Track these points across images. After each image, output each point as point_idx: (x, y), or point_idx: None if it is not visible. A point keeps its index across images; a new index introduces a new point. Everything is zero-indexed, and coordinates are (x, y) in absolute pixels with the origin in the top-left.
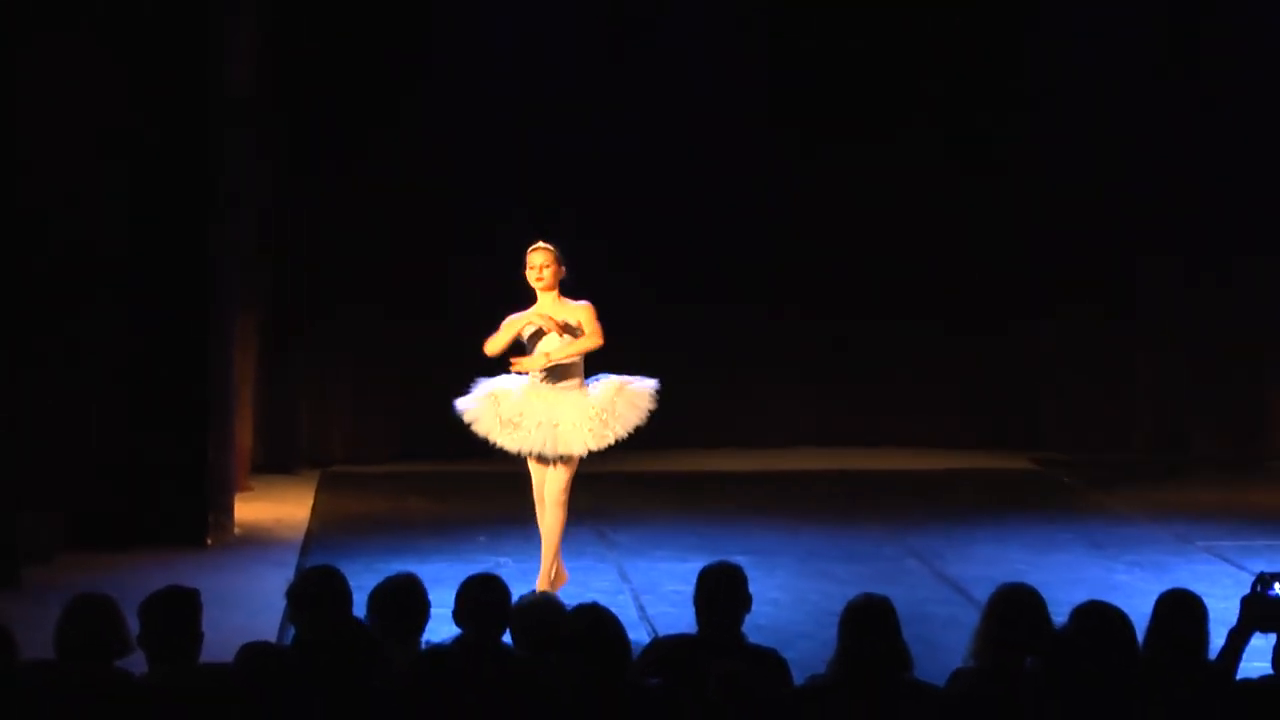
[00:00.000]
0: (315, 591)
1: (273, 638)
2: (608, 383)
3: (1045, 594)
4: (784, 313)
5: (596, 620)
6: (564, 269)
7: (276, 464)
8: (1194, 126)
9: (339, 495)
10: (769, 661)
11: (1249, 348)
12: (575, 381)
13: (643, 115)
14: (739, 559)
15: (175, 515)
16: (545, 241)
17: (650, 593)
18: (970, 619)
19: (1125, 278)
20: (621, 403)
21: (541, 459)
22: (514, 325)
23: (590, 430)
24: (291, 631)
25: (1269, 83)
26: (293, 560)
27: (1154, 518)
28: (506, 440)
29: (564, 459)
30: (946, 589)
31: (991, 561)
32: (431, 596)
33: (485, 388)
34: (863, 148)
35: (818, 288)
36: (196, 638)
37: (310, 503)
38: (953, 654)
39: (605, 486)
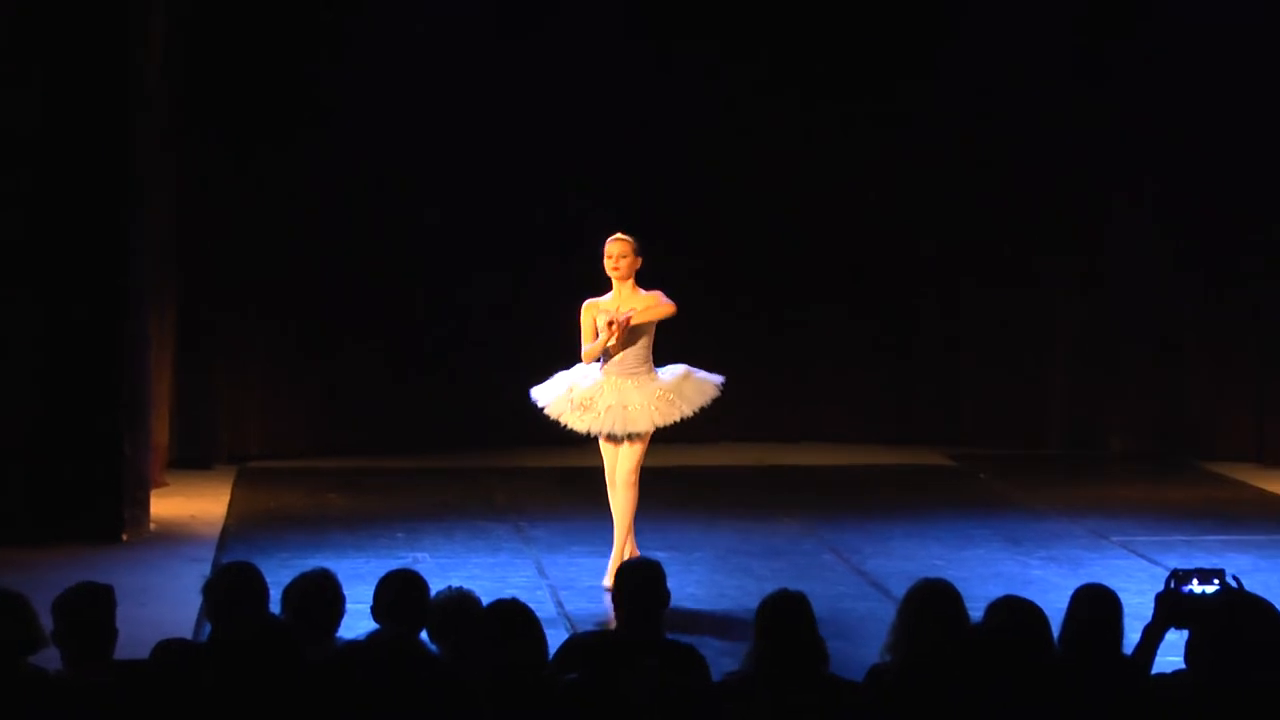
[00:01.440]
0: (231, 588)
1: (188, 634)
2: (676, 369)
3: (962, 589)
4: (702, 308)
5: (512, 615)
6: (640, 259)
7: (193, 460)
8: (1108, 111)
9: (256, 491)
10: (687, 657)
11: (1165, 344)
12: (644, 369)
13: (547, 99)
14: (657, 555)
15: (90, 511)
16: (624, 233)
17: (568, 588)
18: (887, 614)
19: (1039, 275)
20: (689, 387)
21: (612, 438)
22: (590, 315)
23: (656, 408)
24: (207, 628)
25: (1177, 48)
26: (209, 556)
27: (1070, 513)
28: (577, 422)
29: (633, 439)
30: (864, 584)
31: (908, 557)
32: (348, 592)
33: (562, 379)
34: (774, 132)
35: (737, 283)
36: (111, 634)
37: (227, 498)
38: (870, 649)
39: (523, 482)
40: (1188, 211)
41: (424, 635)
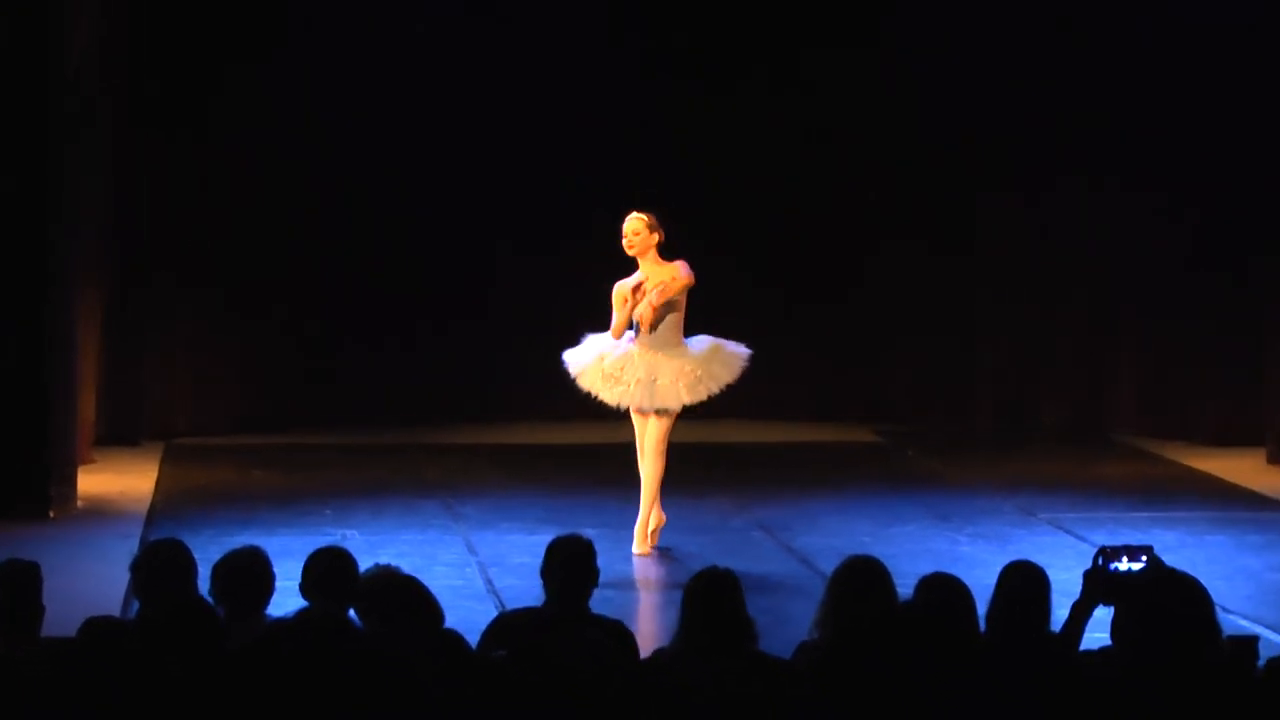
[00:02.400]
0: (159, 565)
1: (116, 611)
2: (705, 343)
3: (890, 566)
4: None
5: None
6: (658, 234)
7: (120, 436)
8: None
9: (183, 467)
10: (616, 634)
11: (1092, 319)
12: (675, 342)
13: (496, 76)
14: (587, 532)
15: (16, 488)
16: (641, 210)
17: (497, 565)
18: (816, 591)
19: (970, 249)
20: (717, 362)
21: (641, 411)
22: (620, 296)
23: (686, 385)
24: (135, 605)
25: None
26: (137, 533)
27: (997, 490)
28: (607, 394)
29: (661, 412)
30: (793, 561)
31: (837, 534)
32: (277, 569)
33: (593, 345)
34: (697, 100)
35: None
36: (38, 611)
37: (154, 475)
38: (799, 626)
39: (452, 459)
40: (1115, 190)
41: (352, 613)
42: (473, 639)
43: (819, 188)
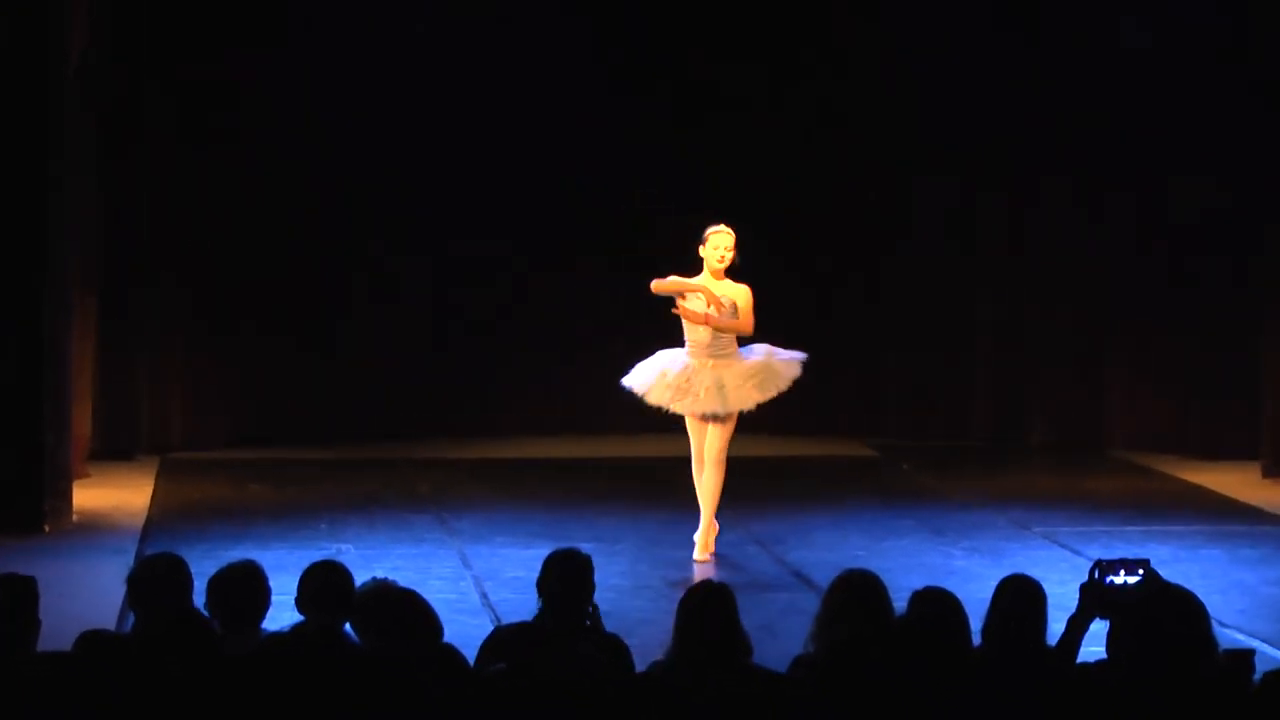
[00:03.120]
0: (156, 579)
1: (112, 626)
2: (760, 350)
3: (885, 580)
4: (624, 299)
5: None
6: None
7: (115, 451)
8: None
9: (179, 482)
10: (610, 648)
11: (1086, 333)
12: (731, 351)
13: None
14: (581, 545)
15: (12, 503)
16: (729, 226)
17: (492, 579)
18: (810, 605)
19: (961, 267)
20: (776, 366)
21: (707, 418)
22: (680, 284)
23: (754, 386)
24: (131, 619)
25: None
26: (132, 547)
27: (992, 504)
28: (678, 405)
29: (724, 420)
30: (787, 575)
31: (832, 547)
32: (272, 583)
33: (651, 364)
34: (697, 101)
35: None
36: (33, 625)
37: (150, 489)
38: (793, 640)
39: (446, 473)
40: (1107, 204)
41: (347, 627)
42: (468, 653)
43: (820, 188)
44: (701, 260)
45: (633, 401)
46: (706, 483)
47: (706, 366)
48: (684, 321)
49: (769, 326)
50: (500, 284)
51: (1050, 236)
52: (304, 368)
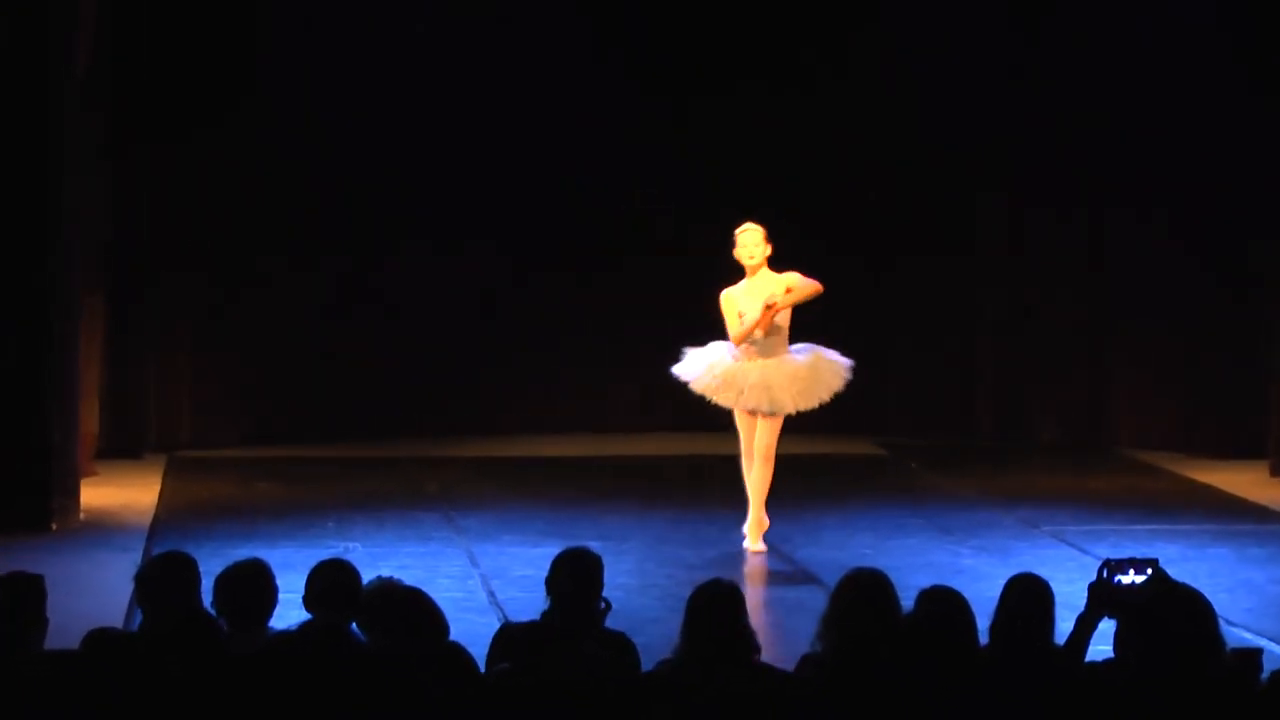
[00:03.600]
0: (164, 576)
1: (119, 624)
2: (809, 351)
3: (892, 578)
4: (632, 298)
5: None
6: (770, 245)
7: (123, 449)
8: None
9: (186, 480)
10: (619, 645)
11: (1093, 332)
12: (781, 352)
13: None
14: (589, 544)
15: (20, 501)
16: (754, 221)
17: (499, 577)
18: (818, 604)
19: (969, 266)
20: (824, 369)
21: (753, 413)
22: (733, 304)
23: (800, 392)
24: (138, 618)
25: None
26: (139, 546)
27: (999, 502)
28: (724, 398)
29: (774, 415)
30: (795, 573)
31: (839, 546)
32: (279, 582)
33: (702, 356)
34: (697, 101)
35: (665, 274)
36: (41, 624)
37: (157, 488)
38: (801, 639)
39: (453, 471)
40: (1109, 204)
41: (354, 625)
42: (476, 651)
43: (819, 190)
44: (737, 263)
45: (637, 400)
46: (755, 477)
47: (756, 364)
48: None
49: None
50: (503, 284)
51: (1051, 236)
52: (311, 366)
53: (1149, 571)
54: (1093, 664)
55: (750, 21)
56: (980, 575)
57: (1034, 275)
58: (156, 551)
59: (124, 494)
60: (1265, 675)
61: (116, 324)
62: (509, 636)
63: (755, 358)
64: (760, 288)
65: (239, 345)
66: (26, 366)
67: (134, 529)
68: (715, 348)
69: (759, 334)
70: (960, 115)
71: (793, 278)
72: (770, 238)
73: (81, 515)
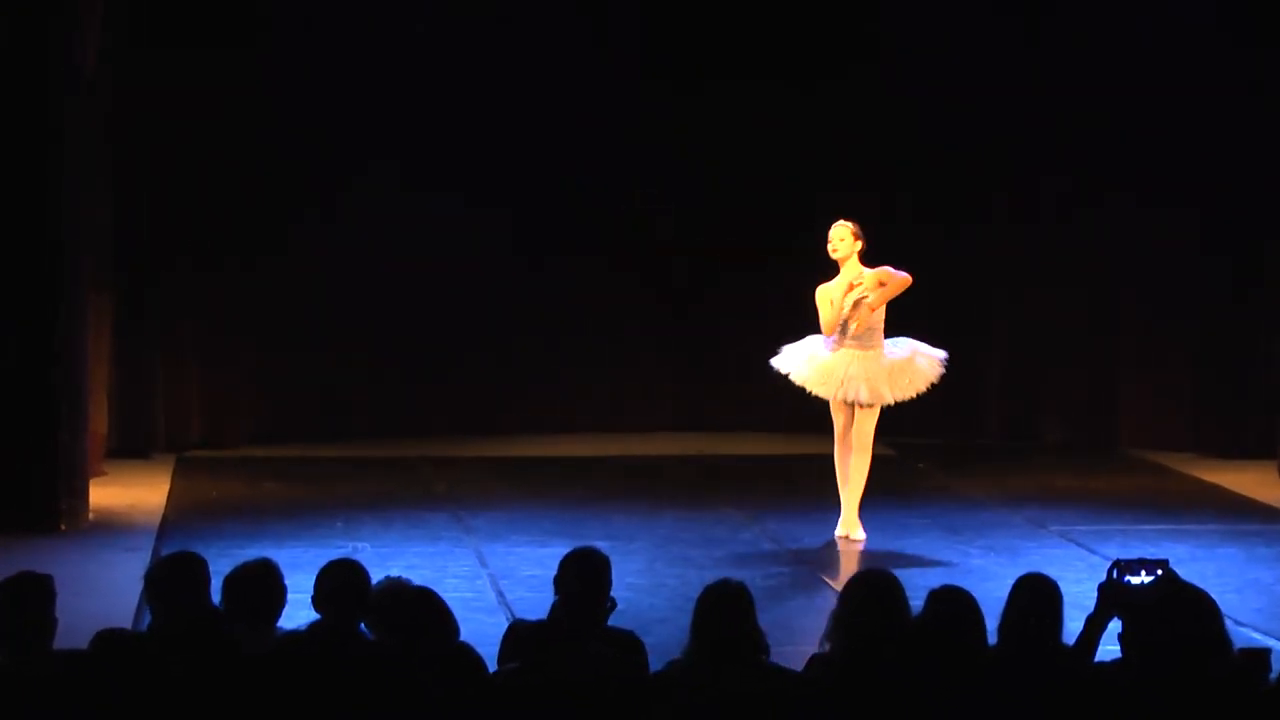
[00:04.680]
0: (174, 576)
1: (128, 624)
2: (904, 345)
3: (900, 578)
4: (637, 300)
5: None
6: (861, 241)
7: (131, 449)
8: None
9: (195, 480)
10: (628, 645)
11: (1100, 331)
12: (876, 344)
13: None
14: (597, 543)
15: (28, 501)
16: (847, 219)
17: (508, 577)
18: (827, 604)
19: (977, 265)
20: (919, 363)
21: (852, 405)
22: (826, 295)
23: (896, 383)
24: (147, 618)
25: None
26: (148, 546)
27: (1008, 502)
28: (822, 389)
29: (871, 407)
30: (803, 573)
31: (848, 546)
32: (288, 582)
33: (800, 348)
34: (697, 101)
35: (672, 273)
36: (50, 624)
37: (166, 488)
38: (809, 638)
39: (461, 471)
40: (1121, 200)
41: (363, 625)
42: (484, 651)
43: (821, 188)
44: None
45: (644, 400)
46: (854, 466)
47: (853, 355)
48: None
49: (786, 324)
50: (505, 283)
51: (1054, 236)
52: (320, 366)
53: (1159, 572)
54: (1101, 664)
55: (750, 21)
56: (989, 575)
57: (1039, 275)
58: (165, 551)
59: (132, 494)
60: (1274, 675)
61: (124, 324)
62: (517, 635)
63: (853, 349)
64: (851, 280)
65: (247, 345)
66: (35, 367)
67: (143, 529)
68: (812, 341)
69: (853, 326)
70: (961, 115)
71: (884, 272)
72: (861, 234)
73: (90, 515)
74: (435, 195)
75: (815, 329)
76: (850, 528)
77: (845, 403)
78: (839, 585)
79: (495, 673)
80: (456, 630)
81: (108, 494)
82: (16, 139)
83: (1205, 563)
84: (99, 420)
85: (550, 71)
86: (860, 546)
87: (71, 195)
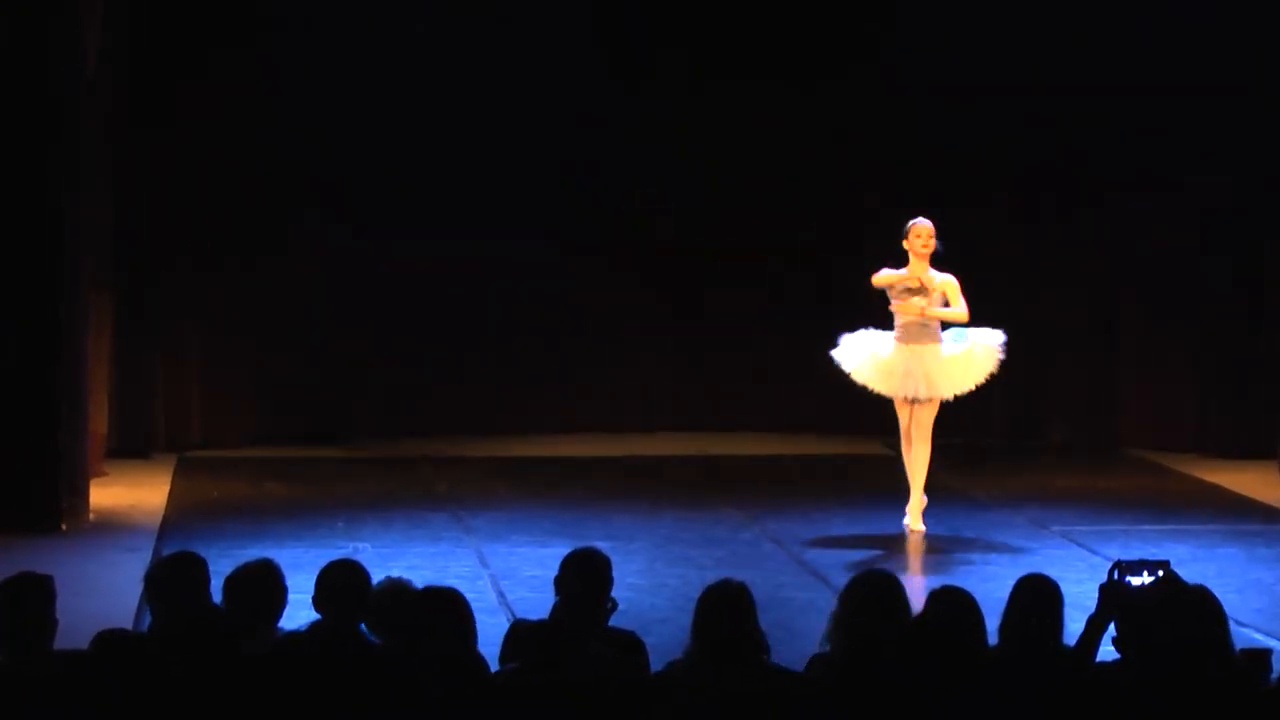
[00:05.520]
0: (174, 576)
1: (128, 624)
2: (963, 335)
3: (902, 579)
4: (640, 300)
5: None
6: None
7: (132, 449)
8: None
9: (195, 480)
10: (628, 645)
11: (1101, 332)
12: (936, 337)
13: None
14: (597, 544)
15: (29, 501)
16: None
17: (509, 578)
18: (827, 604)
19: (973, 265)
20: (976, 354)
21: (914, 401)
22: (892, 278)
23: (958, 374)
24: (148, 618)
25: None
26: (149, 546)
27: (1009, 503)
28: (884, 385)
29: (928, 401)
30: (804, 574)
31: (848, 546)
32: (289, 582)
33: (861, 344)
34: (697, 100)
35: (675, 274)
36: (50, 624)
37: (167, 488)
38: (810, 639)
39: (462, 471)
40: (1123, 199)
41: (364, 626)
42: (485, 652)
43: (820, 190)
44: (906, 253)
45: (644, 400)
46: (916, 458)
47: (913, 351)
48: (896, 311)
49: (785, 325)
50: (505, 283)
51: (1055, 236)
52: (320, 367)
53: (1160, 573)
54: (1101, 664)
55: (750, 21)
56: (990, 575)
57: (1040, 275)
58: (166, 552)
59: (133, 494)
60: (1275, 675)
61: (124, 324)
62: (518, 635)
63: (915, 344)
64: (920, 276)
65: (248, 346)
66: (36, 367)
67: (143, 529)
68: (871, 336)
69: (902, 317)
70: (961, 115)
71: (950, 282)
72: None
73: (91, 516)
74: (435, 195)
75: (815, 328)
76: (913, 519)
77: (906, 399)
78: (839, 585)
79: (496, 673)
80: (473, 632)
81: (108, 494)
82: (16, 139)
83: (1206, 563)
84: (99, 420)
85: (550, 71)
86: (919, 541)
87: (71, 195)
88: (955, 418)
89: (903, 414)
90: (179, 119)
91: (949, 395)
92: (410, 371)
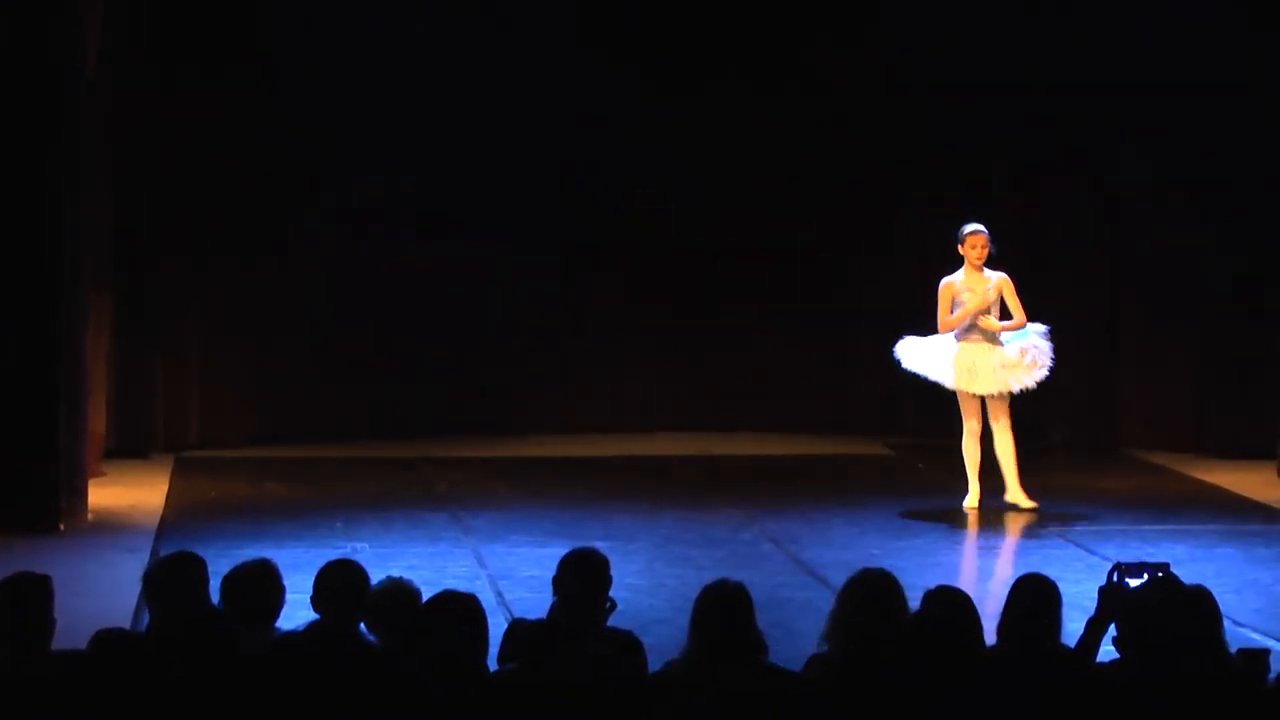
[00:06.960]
0: (172, 575)
1: (126, 624)
2: (1021, 333)
3: (900, 579)
4: (641, 301)
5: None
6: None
7: (130, 449)
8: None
9: (194, 480)
10: (626, 646)
11: (1101, 332)
12: (994, 335)
13: (478, 83)
14: (596, 544)
15: (27, 501)
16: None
17: (507, 578)
18: (826, 604)
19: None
20: (1039, 347)
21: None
22: (949, 293)
23: (1024, 369)
24: (146, 618)
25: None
26: (147, 546)
27: (1007, 503)
28: (964, 384)
29: (1002, 394)
30: (803, 574)
31: (847, 546)
32: (287, 582)
33: (928, 346)
34: (697, 100)
35: (673, 274)
36: (48, 624)
37: (165, 488)
38: (808, 639)
39: (461, 471)
40: (1109, 203)
41: (362, 626)
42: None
43: (820, 190)
44: (960, 257)
45: (644, 400)
46: (1002, 447)
47: (983, 350)
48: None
49: (785, 325)
50: (505, 283)
51: (1055, 236)
52: (319, 367)
53: (1160, 575)
54: (1099, 665)
55: (750, 21)
56: (987, 575)
57: (1040, 276)
58: (164, 552)
59: (132, 494)
60: (1273, 676)
61: (124, 324)
62: (516, 635)
63: (980, 341)
64: (977, 282)
65: (246, 345)
66: (34, 367)
67: (142, 529)
68: (939, 338)
69: (970, 320)
70: (961, 116)
71: (1005, 281)
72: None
73: (89, 515)
74: (435, 195)
75: (814, 328)
76: (1017, 498)
77: (973, 395)
78: (837, 586)
79: (494, 673)
80: (484, 634)
81: (107, 494)
82: (16, 139)
83: (1205, 563)
84: (98, 420)
85: (550, 71)
86: (1033, 514)
87: (71, 195)
88: (954, 418)
89: (967, 408)
90: (179, 119)
91: (1014, 389)
92: (410, 371)
